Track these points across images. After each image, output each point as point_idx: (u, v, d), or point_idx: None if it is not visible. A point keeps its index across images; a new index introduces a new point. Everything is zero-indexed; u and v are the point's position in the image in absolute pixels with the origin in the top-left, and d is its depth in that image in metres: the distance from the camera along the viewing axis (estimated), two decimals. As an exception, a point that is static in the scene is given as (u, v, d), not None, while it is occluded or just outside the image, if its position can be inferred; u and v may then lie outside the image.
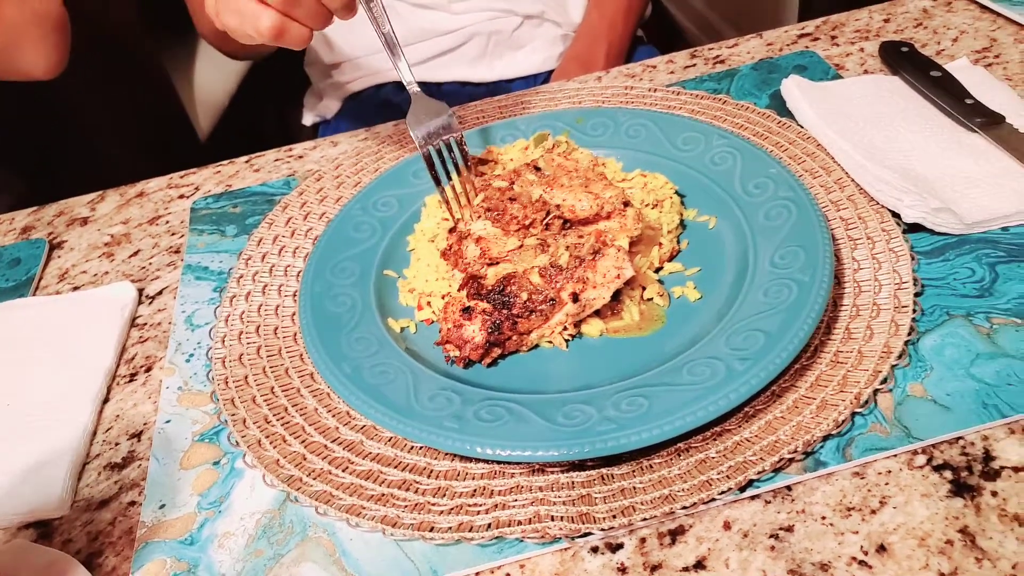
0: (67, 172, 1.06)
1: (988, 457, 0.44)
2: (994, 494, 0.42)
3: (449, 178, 0.58)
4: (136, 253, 0.70)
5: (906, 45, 0.71)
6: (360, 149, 0.74)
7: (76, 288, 0.67)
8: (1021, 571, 0.39)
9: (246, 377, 0.54)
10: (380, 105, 1.00)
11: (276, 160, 0.78)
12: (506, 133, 0.68)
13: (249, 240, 0.66)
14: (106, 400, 0.56)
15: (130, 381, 0.58)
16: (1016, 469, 0.43)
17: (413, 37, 0.98)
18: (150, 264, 0.68)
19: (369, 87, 1.00)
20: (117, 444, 0.53)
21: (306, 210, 0.68)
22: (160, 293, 0.65)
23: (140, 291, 0.65)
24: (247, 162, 0.79)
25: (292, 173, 0.75)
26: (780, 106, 0.70)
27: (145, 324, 0.62)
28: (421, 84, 0.99)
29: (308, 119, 1.10)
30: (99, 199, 0.78)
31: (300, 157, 0.77)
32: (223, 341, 0.57)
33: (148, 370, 0.58)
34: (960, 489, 0.42)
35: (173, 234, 0.71)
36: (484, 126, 0.70)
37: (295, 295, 0.60)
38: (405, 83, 0.62)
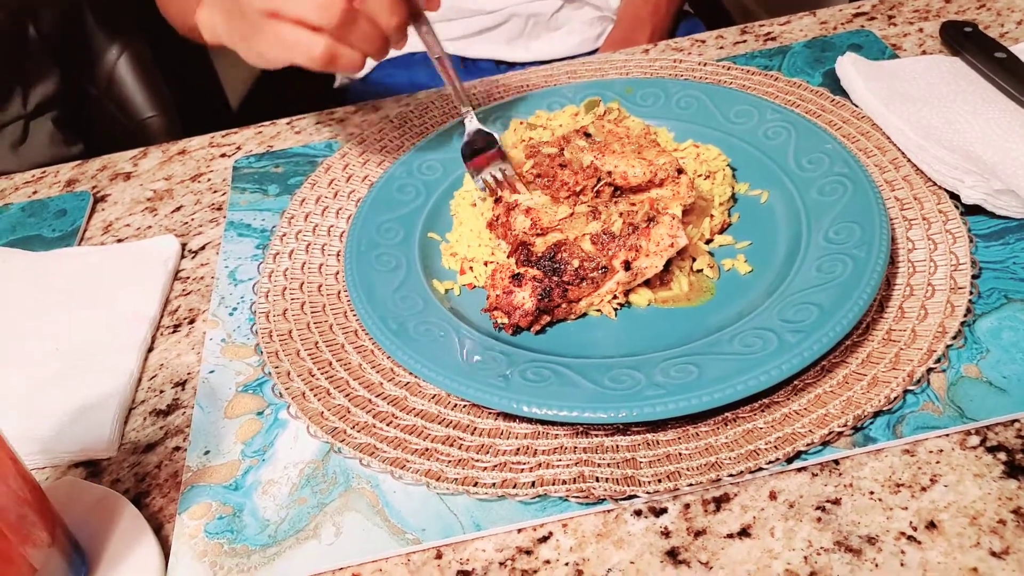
0: (105, 132, 1.07)
1: (1044, 441, 0.43)
2: (1050, 477, 0.41)
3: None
4: (178, 209, 0.70)
5: (969, 25, 0.69)
6: (404, 114, 0.74)
7: (120, 240, 0.68)
8: (1075, 554, 0.38)
9: (290, 331, 0.54)
10: (412, 72, 1.00)
11: (317, 122, 0.77)
12: (553, 100, 0.67)
13: (292, 199, 0.66)
14: (150, 349, 0.57)
15: (174, 332, 0.58)
16: (1073, 454, 0.42)
17: (450, 14, 0.97)
18: (192, 220, 0.68)
19: (403, 54, 1.00)
20: (162, 392, 0.54)
21: (348, 172, 0.68)
22: (203, 248, 0.65)
23: (183, 245, 0.65)
24: (288, 124, 0.79)
25: (334, 136, 0.75)
26: (833, 85, 0.69)
27: (188, 277, 0.63)
28: (458, 59, 0.99)
29: (338, 81, 1.09)
30: (141, 155, 0.78)
31: (341, 121, 0.77)
32: (267, 296, 0.57)
33: (191, 322, 0.59)
34: (1014, 471, 0.42)
35: (215, 191, 0.72)
36: (529, 92, 0.70)
37: (338, 254, 0.60)
38: (462, 112, 0.60)
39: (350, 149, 0.70)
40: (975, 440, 0.43)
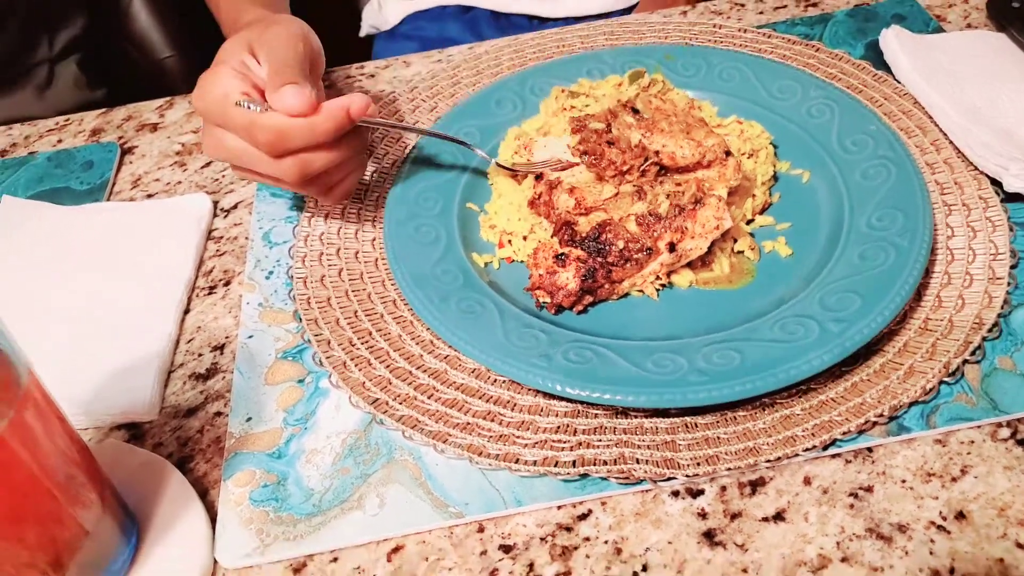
0: (127, 75, 1.05)
1: (1074, 436, 0.44)
2: (1077, 472, 0.42)
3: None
4: (208, 164, 0.69)
5: (1017, 0, 0.67)
6: (435, 72, 0.72)
7: (150, 196, 0.67)
8: (1100, 548, 0.39)
9: (328, 299, 0.54)
10: (442, 25, 0.97)
11: (348, 78, 0.76)
12: (592, 66, 0.65)
13: (323, 159, 0.65)
14: (186, 311, 0.57)
15: (209, 294, 0.58)
16: (1102, 449, 0.43)
17: None
18: (223, 176, 0.68)
19: (434, 6, 0.97)
20: (200, 355, 0.54)
21: (382, 133, 0.67)
22: (235, 207, 0.65)
23: (215, 203, 0.65)
24: (316, 77, 0.77)
25: (364, 93, 0.74)
26: (876, 57, 0.68)
27: (221, 237, 0.62)
28: (488, 13, 0.96)
29: (364, 30, 1.07)
30: (168, 105, 0.77)
31: (372, 76, 0.76)
32: (303, 261, 0.57)
33: (227, 284, 0.59)
34: (1043, 464, 0.43)
35: (243, 147, 0.71)
36: (568, 56, 0.68)
37: (374, 220, 0.59)
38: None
39: (382, 108, 0.69)
40: (1006, 432, 0.44)
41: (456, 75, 0.72)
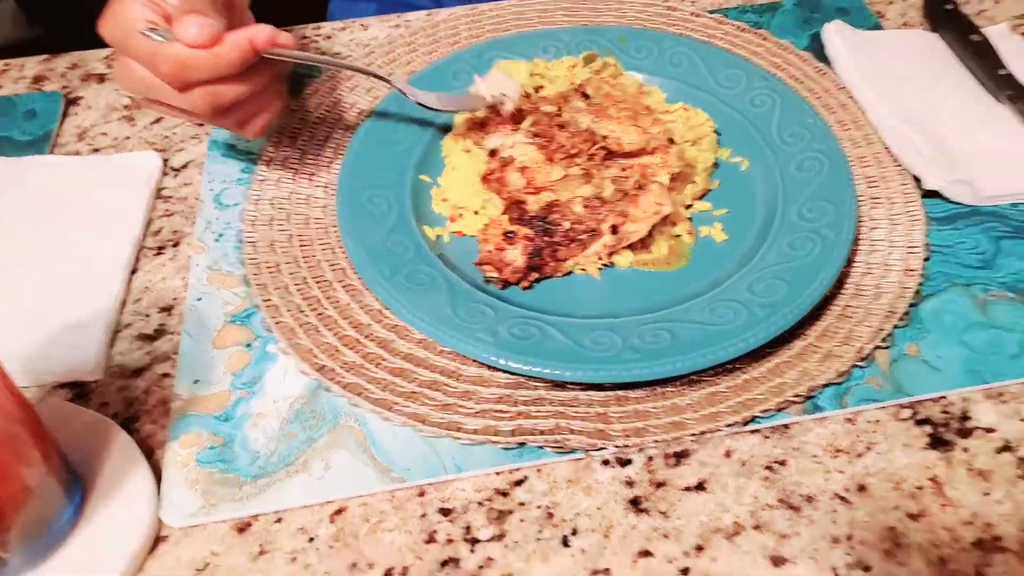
0: (66, 15, 1.01)
1: (965, 417, 0.48)
2: (965, 450, 0.47)
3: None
4: (158, 120, 0.68)
5: (951, 2, 0.71)
6: (393, 37, 0.72)
7: (96, 150, 0.66)
8: (977, 519, 0.44)
9: (278, 264, 0.55)
10: None
11: (303, 38, 0.75)
12: (549, 44, 0.66)
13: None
14: (133, 271, 0.57)
15: (157, 254, 0.58)
16: (987, 430, 0.48)
17: None
18: (173, 134, 0.67)
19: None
20: (147, 316, 0.54)
21: (336, 97, 0.67)
22: (185, 166, 0.64)
23: (164, 161, 0.64)
24: (270, 35, 0.76)
25: (320, 54, 0.73)
26: (819, 49, 0.70)
27: (171, 197, 0.62)
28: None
29: None
30: (115, 55, 0.74)
31: (328, 38, 0.75)
32: (253, 225, 0.58)
33: (175, 245, 0.59)
34: (936, 443, 0.47)
35: (193, 104, 0.70)
36: (526, 31, 0.69)
37: (326, 186, 0.60)
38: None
39: (337, 73, 0.69)
40: (907, 413, 0.49)
41: (413, 42, 0.72)
